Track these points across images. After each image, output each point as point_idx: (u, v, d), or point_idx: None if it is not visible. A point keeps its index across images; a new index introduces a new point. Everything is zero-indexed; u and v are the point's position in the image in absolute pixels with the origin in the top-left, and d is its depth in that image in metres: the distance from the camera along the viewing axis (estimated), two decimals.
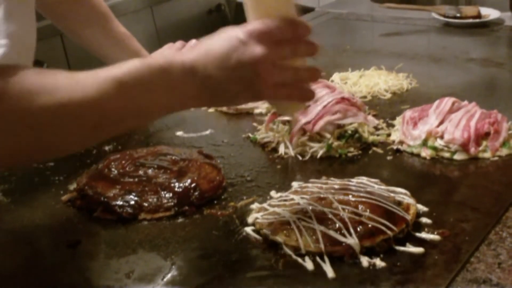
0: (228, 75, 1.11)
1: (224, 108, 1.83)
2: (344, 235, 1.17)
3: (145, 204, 1.32)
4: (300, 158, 1.55)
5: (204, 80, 1.10)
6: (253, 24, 1.12)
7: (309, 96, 1.22)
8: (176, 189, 1.35)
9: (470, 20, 2.58)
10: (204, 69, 1.10)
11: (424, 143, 1.53)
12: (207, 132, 1.71)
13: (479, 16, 2.60)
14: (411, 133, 1.56)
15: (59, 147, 1.07)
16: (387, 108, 1.81)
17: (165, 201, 1.33)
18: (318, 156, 1.54)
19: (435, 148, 1.52)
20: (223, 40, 1.11)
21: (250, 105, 1.82)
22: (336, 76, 2.01)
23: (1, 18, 0.96)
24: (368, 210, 1.21)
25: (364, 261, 1.15)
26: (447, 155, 1.51)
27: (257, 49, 1.10)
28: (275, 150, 1.59)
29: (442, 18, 2.61)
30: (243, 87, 1.13)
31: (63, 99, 1.00)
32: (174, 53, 1.10)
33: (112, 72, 1.05)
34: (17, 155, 1.03)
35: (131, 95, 1.06)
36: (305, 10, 3.03)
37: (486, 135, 1.52)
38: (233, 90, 1.13)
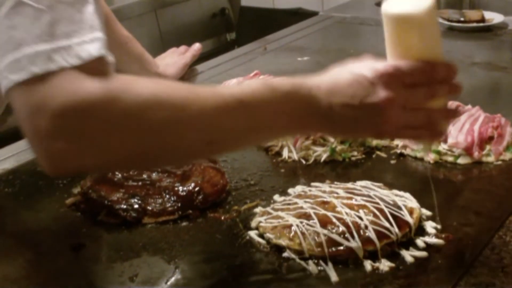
0: (351, 113, 1.08)
1: None
2: (347, 239, 1.17)
3: (149, 208, 1.33)
4: (303, 162, 1.55)
5: (327, 113, 1.08)
6: (385, 65, 1.09)
7: (439, 135, 1.19)
8: (180, 192, 1.35)
9: (474, 24, 2.58)
10: (328, 103, 1.07)
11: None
12: None
13: (483, 20, 2.60)
14: None
15: (171, 158, 1.05)
16: None
17: (168, 204, 1.33)
18: (322, 160, 1.54)
19: (438, 152, 1.52)
20: (351, 78, 1.08)
21: None
22: None
23: (93, 13, 0.94)
24: (371, 214, 1.21)
25: (368, 265, 1.15)
26: (450, 159, 1.51)
27: (384, 94, 1.07)
28: (279, 154, 1.59)
29: (445, 22, 2.60)
30: (366, 126, 1.11)
31: (181, 110, 0.97)
32: (301, 80, 1.08)
33: (235, 91, 1.03)
34: (127, 161, 1.00)
35: (251, 116, 1.03)
36: (309, 14, 3.04)
37: (490, 139, 1.52)
38: (355, 127, 1.11)
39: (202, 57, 2.31)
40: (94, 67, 0.91)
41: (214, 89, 1.02)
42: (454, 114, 1.20)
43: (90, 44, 0.92)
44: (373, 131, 1.13)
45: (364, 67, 1.10)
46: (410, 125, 1.12)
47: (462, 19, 2.61)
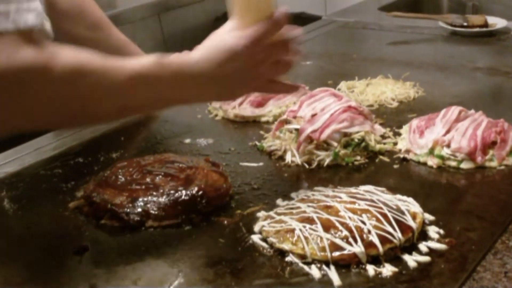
0: (231, 77, 1.26)
1: (231, 116, 1.84)
2: (350, 243, 1.17)
3: (152, 212, 1.33)
4: (306, 166, 1.55)
5: (209, 81, 1.25)
6: (247, 31, 1.26)
7: (291, 89, 1.43)
8: (183, 196, 1.35)
9: (477, 29, 2.58)
10: (210, 72, 1.24)
11: (431, 152, 1.53)
12: (214, 140, 1.71)
13: (486, 25, 2.60)
14: (417, 141, 1.56)
15: (88, 120, 1.28)
16: (393, 116, 1.81)
17: (171, 208, 1.33)
18: (325, 164, 1.54)
19: (441, 157, 1.52)
20: (223, 48, 1.25)
21: (256, 113, 1.82)
22: (343, 85, 2.02)
23: None
24: (374, 219, 1.21)
25: (370, 269, 1.15)
26: (453, 164, 1.51)
27: (258, 54, 1.26)
28: (282, 158, 1.59)
29: (449, 27, 2.61)
30: (243, 84, 1.31)
31: (102, 77, 1.13)
32: (183, 57, 1.25)
33: (136, 66, 1.18)
34: (51, 123, 1.22)
35: (150, 89, 1.20)
36: (312, 18, 3.04)
37: (493, 144, 1.52)
38: (235, 87, 1.30)
39: None
40: (29, 35, 1.03)
41: (122, 61, 1.18)
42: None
43: (28, 12, 1.02)
44: (249, 87, 1.34)
45: (232, 36, 1.26)
46: (275, 76, 1.34)
47: (465, 24, 2.61)
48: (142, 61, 1.20)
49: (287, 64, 1.33)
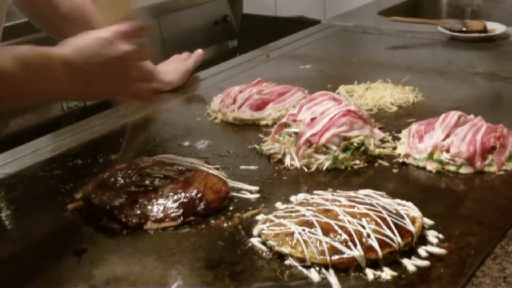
0: (99, 69, 1.33)
1: (230, 119, 1.84)
2: (349, 247, 1.17)
3: (151, 214, 1.33)
4: (306, 169, 1.55)
5: (79, 72, 1.32)
6: (116, 26, 1.35)
7: (149, 95, 1.47)
8: (182, 199, 1.35)
9: (476, 34, 2.58)
10: (80, 62, 1.31)
11: (430, 157, 1.53)
12: (213, 142, 1.71)
13: (485, 30, 2.61)
14: (417, 146, 1.56)
15: None
16: (393, 121, 1.81)
17: (170, 211, 1.33)
18: (324, 168, 1.54)
19: (441, 162, 1.52)
20: (91, 40, 1.34)
21: (256, 116, 1.82)
22: (342, 89, 2.02)
23: None
24: (373, 223, 1.21)
25: (370, 273, 1.15)
26: (452, 168, 1.51)
27: (124, 46, 1.34)
28: (281, 161, 1.59)
29: (448, 32, 2.61)
30: (111, 80, 1.37)
31: None
32: (55, 51, 1.33)
33: (15, 52, 1.28)
34: None
35: (25, 74, 1.28)
36: (312, 22, 3.04)
37: (492, 149, 1.52)
38: (102, 83, 1.36)
39: (204, 64, 2.31)
40: None
41: (6, 49, 1.28)
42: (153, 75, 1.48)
43: None
44: (114, 85, 1.39)
45: (99, 31, 1.35)
46: (138, 77, 1.40)
47: (464, 29, 2.62)
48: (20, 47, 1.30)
49: (149, 72, 1.43)
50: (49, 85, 1.32)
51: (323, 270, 1.16)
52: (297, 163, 1.56)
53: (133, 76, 1.39)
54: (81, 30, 1.73)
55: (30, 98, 1.40)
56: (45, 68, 1.30)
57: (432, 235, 1.25)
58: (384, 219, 1.22)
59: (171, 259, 1.22)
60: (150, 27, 1.43)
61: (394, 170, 1.54)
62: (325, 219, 1.22)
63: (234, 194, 1.43)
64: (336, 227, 1.20)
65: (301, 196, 1.40)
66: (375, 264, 1.17)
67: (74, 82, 1.33)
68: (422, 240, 1.24)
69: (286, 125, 1.64)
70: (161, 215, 1.33)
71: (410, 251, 1.20)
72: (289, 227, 1.23)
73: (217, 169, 1.49)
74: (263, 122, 1.82)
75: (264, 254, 1.22)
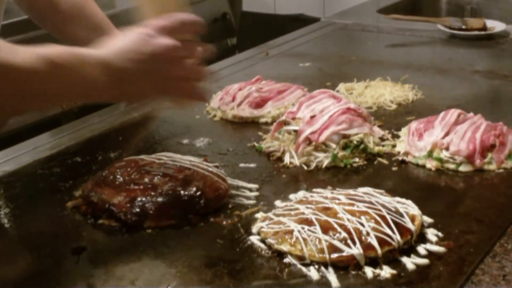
0: (141, 67, 1.23)
1: (229, 117, 1.84)
2: (348, 245, 1.17)
3: (150, 212, 1.32)
4: (305, 167, 1.55)
5: (117, 72, 1.22)
6: (155, 21, 1.25)
7: (202, 95, 1.36)
8: (181, 197, 1.35)
9: (476, 32, 2.58)
10: (118, 62, 1.22)
11: (430, 155, 1.53)
12: (212, 140, 1.71)
13: (484, 28, 2.61)
14: (416, 144, 1.56)
15: None
16: (392, 119, 1.81)
17: (170, 209, 1.33)
18: (323, 166, 1.54)
19: (440, 160, 1.52)
20: (133, 36, 1.24)
21: (255, 114, 1.82)
22: (341, 87, 2.02)
23: None
24: (373, 221, 1.21)
25: (369, 271, 1.15)
26: (452, 166, 1.51)
27: (165, 40, 1.24)
28: (281, 159, 1.59)
29: (447, 30, 2.61)
30: (153, 79, 1.26)
31: (2, 59, 1.13)
32: (88, 49, 1.24)
33: (46, 51, 1.17)
34: None
35: (55, 74, 1.18)
36: (311, 20, 3.04)
37: (492, 147, 1.52)
38: (143, 82, 1.26)
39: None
40: None
41: (31, 48, 1.17)
42: (207, 72, 1.36)
43: None
44: (158, 84, 1.28)
45: (138, 28, 1.26)
46: (185, 76, 1.30)
47: (464, 27, 2.62)
48: (53, 48, 1.19)
49: (199, 71, 1.32)
50: (82, 87, 1.23)
51: (323, 268, 1.16)
52: (296, 161, 1.56)
53: (178, 74, 1.29)
54: (81, 28, 1.73)
55: (60, 99, 1.31)
56: (76, 68, 1.20)
57: (432, 233, 1.25)
58: (383, 217, 1.22)
59: (170, 257, 1.22)
60: (199, 24, 1.30)
61: (394, 168, 1.54)
62: (324, 217, 1.22)
63: (233, 192, 1.43)
64: (336, 225, 1.20)
65: (301, 194, 1.40)
66: (375, 262, 1.17)
67: (112, 84, 1.23)
68: (422, 238, 1.24)
69: (285, 123, 1.64)
70: (160, 213, 1.32)
71: (409, 249, 1.20)
72: (288, 225, 1.23)
73: (217, 167, 1.48)
74: (262, 120, 1.82)
75: (263, 252, 1.22)
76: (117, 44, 1.24)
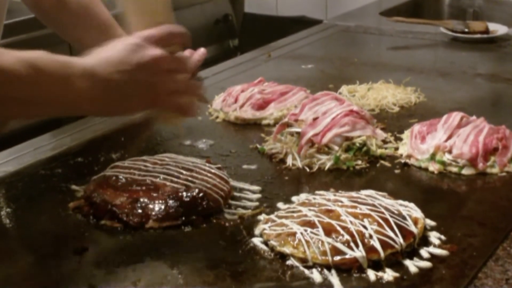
0: (128, 77, 1.19)
1: (232, 118, 1.83)
2: (351, 248, 1.17)
3: (152, 213, 1.32)
4: (307, 169, 1.54)
5: (104, 83, 1.18)
6: (145, 31, 1.22)
7: (194, 110, 1.30)
8: (183, 198, 1.34)
9: (478, 35, 2.59)
10: (104, 72, 1.18)
11: (432, 158, 1.53)
12: (215, 142, 1.71)
13: (487, 31, 2.61)
14: (419, 147, 1.56)
15: None
16: (395, 121, 1.81)
17: (172, 210, 1.33)
18: (326, 168, 1.54)
19: (443, 163, 1.51)
20: (120, 46, 1.20)
21: (258, 115, 1.82)
22: (344, 89, 2.01)
23: None
24: (376, 223, 1.21)
25: (371, 274, 1.15)
26: (455, 169, 1.51)
27: (155, 51, 1.20)
28: (283, 161, 1.58)
29: (450, 32, 2.61)
30: (141, 91, 1.21)
31: None
32: (81, 61, 1.19)
33: (31, 56, 1.14)
34: None
35: (38, 80, 1.14)
36: (313, 22, 3.04)
37: (494, 150, 1.52)
38: (131, 94, 1.21)
39: (204, 63, 2.29)
40: None
41: (14, 52, 1.14)
42: (200, 86, 1.32)
43: None
44: (147, 97, 1.23)
45: (128, 38, 1.22)
46: (175, 89, 1.24)
47: (466, 30, 2.62)
48: (36, 53, 1.16)
49: (190, 85, 1.29)
50: (67, 96, 1.18)
51: (325, 270, 1.16)
52: (299, 163, 1.56)
53: (168, 87, 1.24)
54: (87, 27, 1.73)
55: (44, 107, 1.22)
56: (61, 75, 1.16)
57: (434, 236, 1.25)
58: (386, 220, 1.22)
59: (172, 259, 1.22)
60: (186, 35, 1.28)
61: (396, 171, 1.54)
62: (327, 220, 1.22)
63: (236, 193, 1.43)
64: (338, 228, 1.20)
65: (303, 196, 1.40)
66: (377, 265, 1.17)
67: (98, 94, 1.19)
68: (424, 241, 1.24)
69: (288, 124, 1.64)
70: (163, 214, 1.32)
71: (412, 252, 1.20)
72: (291, 227, 1.23)
73: (219, 168, 1.48)
74: (265, 122, 1.82)
75: (265, 254, 1.22)
76: (105, 54, 1.20)
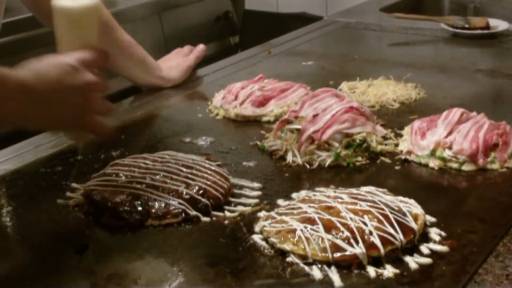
0: (60, 97, 1.23)
1: (232, 115, 1.83)
2: (351, 244, 1.17)
3: (153, 211, 1.32)
4: (308, 166, 1.54)
5: (34, 98, 1.20)
6: (79, 53, 1.26)
7: (107, 129, 1.34)
8: (183, 195, 1.34)
9: (479, 31, 2.58)
10: (38, 89, 1.20)
11: (432, 154, 1.53)
12: (215, 139, 1.71)
13: (487, 27, 2.60)
14: (419, 143, 1.56)
15: None
16: (395, 118, 1.81)
17: (172, 207, 1.33)
18: (326, 165, 1.54)
19: (443, 159, 1.51)
20: (56, 65, 1.23)
21: (258, 112, 1.82)
22: (344, 85, 2.01)
23: None
24: (376, 220, 1.21)
25: (372, 270, 1.15)
26: (455, 165, 1.51)
27: (88, 76, 1.25)
28: (283, 158, 1.58)
29: (450, 28, 2.61)
30: (69, 111, 1.26)
31: None
32: (12, 73, 1.20)
33: None
34: None
35: None
36: (314, 19, 3.04)
37: (495, 146, 1.52)
38: (58, 114, 1.25)
39: (205, 60, 2.31)
40: None
41: None
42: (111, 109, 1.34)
43: None
44: (74, 116, 1.27)
45: (63, 57, 1.25)
46: (98, 110, 1.30)
47: (467, 25, 2.61)
48: None
49: (107, 106, 1.32)
50: (1, 107, 1.18)
51: (325, 267, 1.16)
52: (299, 160, 1.56)
53: (94, 108, 1.29)
54: (105, 44, 1.73)
55: None
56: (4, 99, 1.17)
57: (435, 233, 1.25)
58: (386, 217, 1.22)
59: (173, 256, 1.22)
60: (107, 56, 1.32)
61: (396, 167, 1.54)
62: (327, 216, 1.22)
63: (236, 190, 1.43)
64: (338, 224, 1.20)
65: (303, 193, 1.40)
66: (377, 262, 1.16)
67: (28, 111, 1.21)
68: (424, 237, 1.24)
69: (288, 121, 1.64)
70: (163, 211, 1.32)
71: (412, 249, 1.20)
72: (291, 224, 1.23)
73: (219, 165, 1.48)
74: (265, 119, 1.82)
75: (266, 251, 1.22)
76: (40, 70, 1.22)
